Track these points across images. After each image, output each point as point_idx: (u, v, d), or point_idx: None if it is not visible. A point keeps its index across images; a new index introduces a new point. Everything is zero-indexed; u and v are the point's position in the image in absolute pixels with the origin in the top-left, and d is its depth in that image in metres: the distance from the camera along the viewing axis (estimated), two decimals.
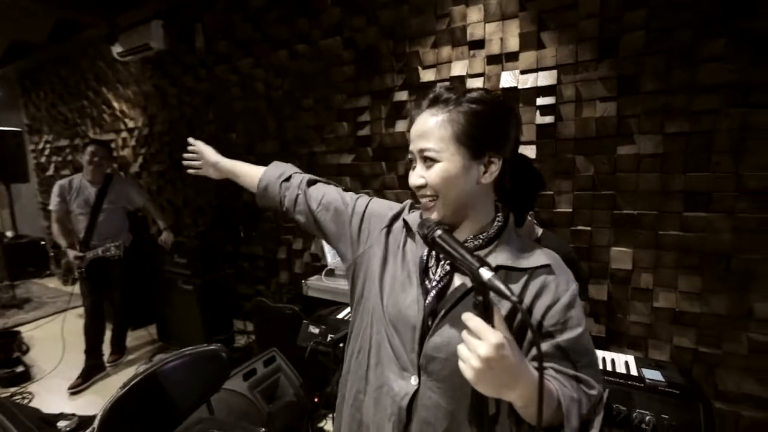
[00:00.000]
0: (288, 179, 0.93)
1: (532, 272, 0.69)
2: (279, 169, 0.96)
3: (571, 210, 2.07)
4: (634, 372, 1.30)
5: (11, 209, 5.28)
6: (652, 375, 1.25)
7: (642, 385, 1.20)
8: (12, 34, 4.14)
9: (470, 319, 0.55)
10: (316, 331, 1.77)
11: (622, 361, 1.39)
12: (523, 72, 2.09)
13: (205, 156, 1.05)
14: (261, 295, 3.29)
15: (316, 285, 2.38)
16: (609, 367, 1.36)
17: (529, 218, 1.84)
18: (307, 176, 0.94)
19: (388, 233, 0.82)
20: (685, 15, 1.71)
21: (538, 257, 0.70)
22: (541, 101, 2.05)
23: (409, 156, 0.74)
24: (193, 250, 3.01)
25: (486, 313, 0.55)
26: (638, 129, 1.87)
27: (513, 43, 2.09)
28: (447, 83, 2.30)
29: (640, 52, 1.82)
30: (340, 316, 1.97)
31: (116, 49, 3.65)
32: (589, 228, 2.03)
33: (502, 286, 0.52)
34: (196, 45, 3.38)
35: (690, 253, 1.82)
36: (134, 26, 3.44)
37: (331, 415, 1.75)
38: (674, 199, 1.83)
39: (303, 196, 0.90)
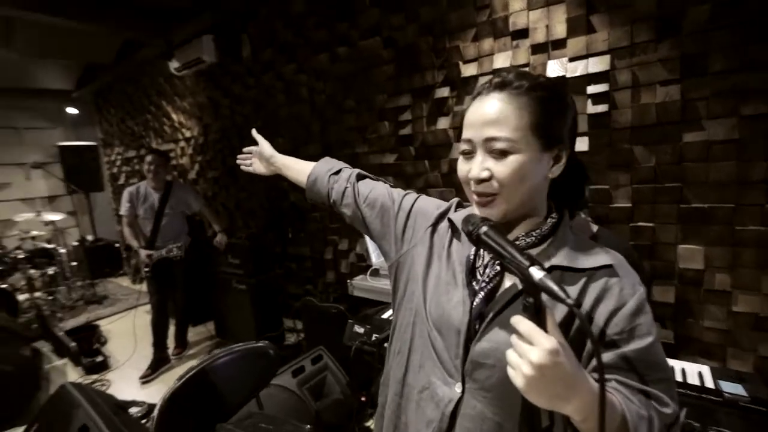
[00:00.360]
0: (337, 173, 0.92)
1: (592, 274, 0.62)
2: (329, 163, 0.96)
3: (630, 205, 1.91)
4: (709, 384, 1.16)
5: (91, 216, 5.87)
6: (732, 388, 1.11)
7: (720, 399, 1.07)
8: (86, 58, 4.60)
9: (520, 322, 0.50)
10: (361, 330, 1.78)
11: (694, 371, 1.25)
12: (571, 59, 1.96)
13: (262, 149, 1.08)
14: (309, 294, 3.38)
15: (361, 285, 2.41)
16: (679, 378, 1.22)
17: (583, 215, 1.73)
18: (357, 170, 0.93)
19: (433, 232, 0.79)
20: None
21: (599, 257, 0.64)
22: (592, 89, 1.92)
23: (465, 146, 0.66)
24: (245, 251, 3.17)
25: (538, 316, 0.50)
26: (707, 113, 1.69)
27: (560, 30, 1.97)
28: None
29: (706, 27, 1.64)
30: (384, 316, 1.97)
31: (173, 65, 3.92)
32: (651, 224, 1.87)
33: (555, 287, 0.47)
34: (243, 55, 3.54)
35: None
36: (188, 42, 3.67)
37: None
38: (754, 189, 1.63)
39: (351, 189, 0.89)
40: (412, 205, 0.83)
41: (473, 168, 0.64)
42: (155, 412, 0.96)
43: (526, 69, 2.09)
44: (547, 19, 2.01)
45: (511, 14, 2.10)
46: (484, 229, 0.59)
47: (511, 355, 0.51)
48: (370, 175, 0.94)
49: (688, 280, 1.80)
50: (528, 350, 0.48)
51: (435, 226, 0.79)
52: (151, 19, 3.59)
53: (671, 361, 1.33)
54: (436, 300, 0.72)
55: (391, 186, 0.89)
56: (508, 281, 0.67)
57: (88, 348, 3.33)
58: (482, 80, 0.67)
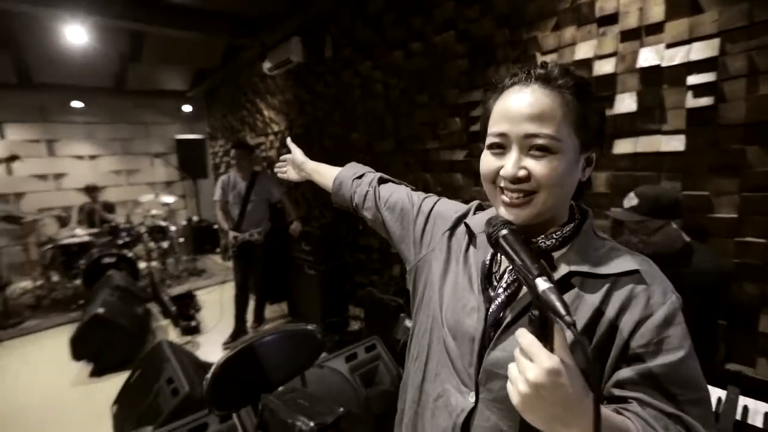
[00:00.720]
0: (360, 177, 0.95)
1: (616, 280, 0.57)
2: (354, 168, 1.00)
3: (735, 216, 1.62)
4: None
5: (197, 199, 6.74)
6: None
7: None
8: (197, 63, 5.26)
9: (523, 335, 0.47)
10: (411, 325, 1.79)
11: None
12: (669, 46, 1.71)
13: (294, 157, 1.15)
14: (374, 285, 3.48)
15: None
16: None
17: (675, 225, 1.52)
18: (379, 174, 0.94)
19: (451, 236, 0.77)
20: None
21: (625, 262, 0.58)
22: (694, 79, 1.65)
23: (496, 140, 0.60)
24: (316, 239, 3.37)
25: (543, 330, 0.47)
26: None
27: (657, 12, 1.73)
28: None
29: None
30: None
31: (266, 65, 4.29)
32: (763, 240, 1.56)
33: (556, 302, 0.44)
34: (326, 54, 3.73)
35: None
36: (278, 44, 3.99)
37: None
38: None
39: (372, 192, 0.90)
40: (432, 209, 0.82)
41: (508, 165, 0.58)
42: (209, 375, 1.09)
43: (612, 58, 1.88)
44: (641, 1, 1.78)
45: None
46: (504, 232, 0.56)
47: (511, 369, 0.48)
48: (392, 179, 0.94)
49: None
50: (526, 367, 0.46)
51: (453, 230, 0.77)
52: (249, 26, 3.98)
53: None
54: (452, 306, 0.70)
55: (412, 189, 0.89)
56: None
57: (186, 313, 3.85)
58: (543, 63, 0.59)
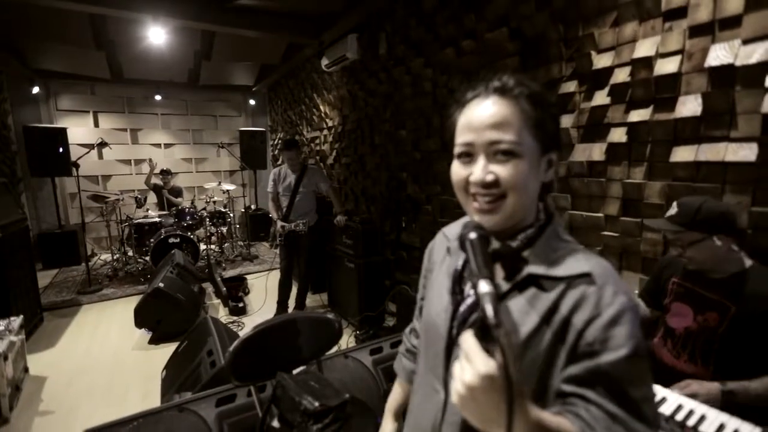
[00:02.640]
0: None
1: (571, 281, 0.60)
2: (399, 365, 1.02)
3: None
4: None
5: (255, 189, 7.17)
6: None
7: None
8: (261, 60, 5.59)
9: (465, 339, 0.49)
10: None
11: None
12: (746, 42, 1.53)
13: None
14: (411, 284, 3.49)
15: None
16: None
17: (718, 242, 1.34)
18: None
19: (431, 254, 0.85)
20: None
21: (579, 263, 0.61)
22: None
23: (462, 149, 0.65)
24: (358, 233, 3.44)
25: (485, 332, 0.47)
26: None
27: (734, 4, 1.55)
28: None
29: None
30: None
31: (324, 62, 4.45)
32: None
33: (486, 304, 0.46)
34: (380, 51, 3.79)
35: None
36: (336, 42, 4.12)
37: None
38: None
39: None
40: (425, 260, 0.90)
41: (476, 171, 0.62)
42: (232, 347, 1.17)
43: (678, 56, 1.72)
44: None
45: None
46: (472, 236, 0.58)
47: (455, 369, 0.50)
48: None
49: None
50: (464, 369, 0.48)
51: (431, 249, 0.86)
52: (309, 24, 4.15)
53: None
54: (428, 308, 0.77)
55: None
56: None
57: (235, 294, 4.13)
58: (494, 76, 0.64)
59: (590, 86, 2.07)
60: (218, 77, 6.33)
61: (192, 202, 5.75)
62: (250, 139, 6.68)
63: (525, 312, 0.61)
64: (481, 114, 0.63)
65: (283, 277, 3.66)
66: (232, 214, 5.94)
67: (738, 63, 1.54)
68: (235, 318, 3.78)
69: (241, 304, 3.98)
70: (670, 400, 1.20)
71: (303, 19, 4.08)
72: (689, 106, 1.69)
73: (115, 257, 5.35)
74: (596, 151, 2.06)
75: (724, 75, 1.59)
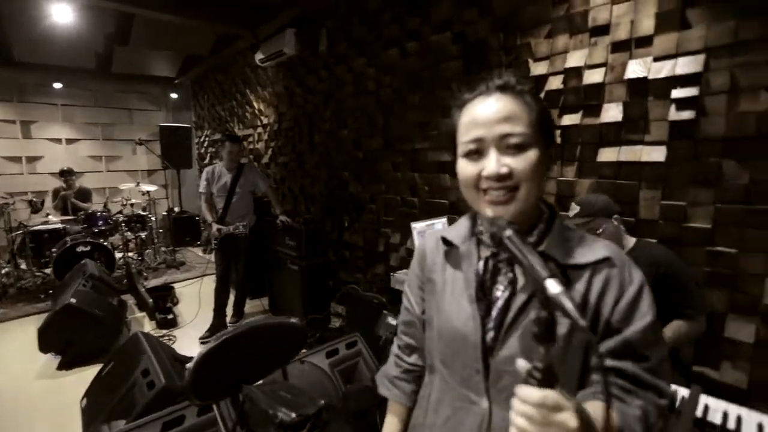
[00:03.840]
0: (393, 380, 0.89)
1: (595, 267, 0.63)
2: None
3: (709, 226, 1.69)
4: None
5: (179, 190, 6.59)
6: None
7: None
8: (186, 50, 5.16)
9: (529, 395, 0.48)
10: (394, 322, 1.80)
11: (753, 421, 1.07)
12: (657, 59, 1.77)
13: None
14: (358, 283, 3.48)
15: (403, 278, 2.42)
16: (732, 425, 1.06)
17: (615, 222, 1.63)
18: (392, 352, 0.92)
19: (423, 263, 0.81)
20: None
21: (599, 250, 0.65)
22: (678, 93, 1.71)
23: (473, 145, 0.65)
24: (301, 234, 3.34)
25: (550, 331, 0.47)
26: None
27: (646, 26, 1.79)
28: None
29: None
30: None
31: (258, 56, 4.24)
32: (734, 250, 1.63)
33: (569, 306, 0.44)
34: (320, 48, 3.71)
35: None
36: (272, 36, 3.95)
37: None
38: None
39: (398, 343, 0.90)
40: (408, 284, 0.86)
41: (489, 165, 0.62)
42: (192, 364, 1.07)
43: (602, 68, 1.93)
44: (633, 13, 1.83)
45: (591, 8, 1.95)
46: (509, 232, 0.56)
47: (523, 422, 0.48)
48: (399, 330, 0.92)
49: None
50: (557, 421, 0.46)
51: (423, 261, 0.81)
52: (243, 15, 3.92)
53: (732, 407, 1.15)
54: (446, 318, 0.72)
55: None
56: (521, 285, 0.66)
57: (163, 306, 3.76)
58: (498, 74, 0.67)
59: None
60: (135, 66, 5.71)
61: (105, 206, 5.12)
62: (171, 136, 6.12)
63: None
64: (489, 109, 0.63)
65: (219, 283, 3.41)
66: (153, 218, 5.40)
67: (650, 77, 1.78)
68: (164, 332, 3.44)
69: (170, 316, 3.63)
70: None
71: (237, 9, 3.84)
72: (612, 112, 1.91)
73: (3, 271, 4.55)
74: None
75: (639, 87, 1.82)
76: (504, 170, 0.61)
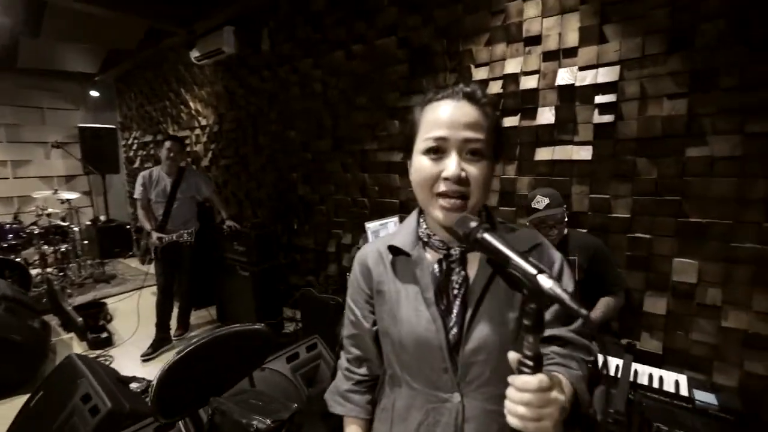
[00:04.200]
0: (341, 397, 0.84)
1: (530, 252, 0.71)
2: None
3: (629, 216, 1.93)
4: (684, 392, 1.19)
5: (105, 197, 6.02)
6: (705, 397, 1.14)
7: (690, 406, 1.10)
8: (109, 44, 4.72)
9: (525, 382, 0.51)
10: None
11: (672, 380, 1.28)
12: (581, 68, 1.99)
13: None
14: (311, 285, 3.45)
15: None
16: (656, 384, 1.25)
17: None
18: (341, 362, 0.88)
19: (369, 274, 0.78)
20: None
21: (530, 238, 0.74)
22: (600, 99, 1.94)
23: (434, 143, 0.65)
24: (251, 239, 3.23)
25: (539, 322, 0.50)
26: (712, 129, 1.70)
27: (572, 38, 1.99)
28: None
29: (717, 44, 1.65)
30: None
31: (194, 54, 4.01)
32: (648, 236, 1.89)
33: (566, 297, 0.46)
34: (262, 48, 3.61)
35: None
36: (209, 33, 3.77)
37: None
38: (753, 207, 1.64)
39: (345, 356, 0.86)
40: (352, 292, 0.83)
41: (450, 167, 0.64)
42: (154, 381, 1.02)
43: (536, 75, 2.12)
44: (560, 26, 2.03)
45: (525, 20, 2.13)
46: (486, 236, 0.57)
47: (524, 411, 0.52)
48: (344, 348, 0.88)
49: (680, 293, 1.81)
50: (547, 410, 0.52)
51: (368, 273, 0.79)
52: (176, 9, 3.69)
53: (653, 369, 1.36)
54: (406, 328, 0.71)
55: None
56: (472, 273, 0.70)
57: (94, 324, 3.43)
58: (466, 83, 0.70)
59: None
60: (46, 60, 5.10)
61: (15, 217, 4.54)
62: (94, 138, 5.58)
63: (511, 291, 0.66)
64: (456, 112, 0.66)
65: (161, 295, 3.19)
66: (76, 228, 4.89)
67: (577, 84, 1.99)
68: (99, 352, 3.15)
69: (104, 335, 3.32)
70: None
71: (169, 3, 3.61)
72: (546, 115, 2.11)
73: None
74: None
75: (568, 93, 2.03)
76: (463, 174, 0.64)
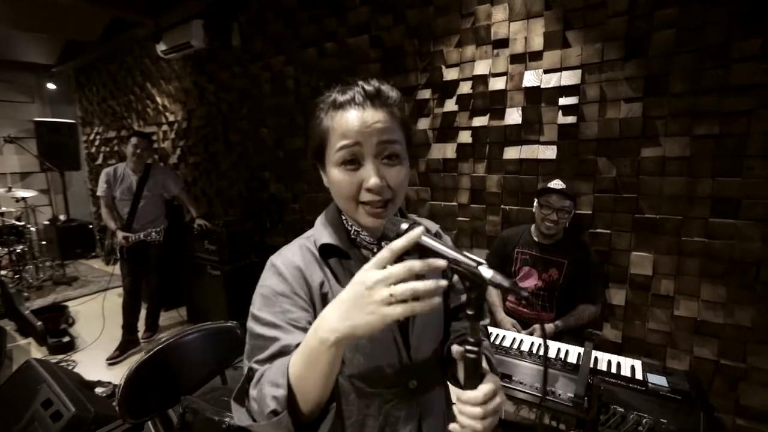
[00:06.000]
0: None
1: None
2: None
3: (591, 212, 2.04)
4: (639, 376, 1.28)
5: (65, 195, 5.73)
6: (657, 380, 1.23)
7: (643, 389, 1.19)
8: (68, 34, 4.49)
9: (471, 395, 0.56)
10: None
11: (628, 365, 1.37)
12: (546, 71, 2.07)
13: None
14: None
15: None
16: (614, 370, 1.35)
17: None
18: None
19: (306, 278, 0.69)
20: (717, 13, 1.65)
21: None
22: (563, 101, 2.03)
23: (348, 155, 0.63)
24: (221, 238, 3.17)
25: (480, 310, 0.53)
26: (665, 131, 1.82)
27: (537, 42, 2.07)
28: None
29: (670, 51, 1.76)
30: None
31: (160, 47, 3.87)
32: (608, 231, 1.99)
33: (507, 283, 0.48)
34: (233, 43, 3.54)
35: (715, 261, 1.75)
36: (177, 25, 3.65)
37: None
38: (701, 204, 1.77)
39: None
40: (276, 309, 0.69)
41: (372, 176, 0.62)
42: (121, 382, 1.00)
43: (504, 77, 2.19)
44: (526, 31, 2.11)
45: (493, 24, 2.19)
46: (422, 238, 0.54)
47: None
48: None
49: (637, 285, 1.93)
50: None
51: (306, 280, 0.69)
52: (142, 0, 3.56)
53: (612, 356, 1.45)
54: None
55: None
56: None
57: (55, 328, 3.27)
58: (371, 82, 0.67)
59: (441, 95, 2.44)
60: None
61: None
62: (52, 133, 5.29)
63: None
64: (367, 118, 0.62)
65: (127, 296, 3.08)
66: (33, 228, 4.64)
67: (542, 86, 2.07)
68: (60, 356, 3.01)
69: (66, 339, 3.18)
70: (529, 340, 1.60)
71: None
72: (513, 116, 2.18)
73: None
74: (449, 150, 2.44)
75: (534, 94, 2.11)
76: (384, 182, 0.62)
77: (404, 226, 0.56)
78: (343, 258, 0.70)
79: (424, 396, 0.72)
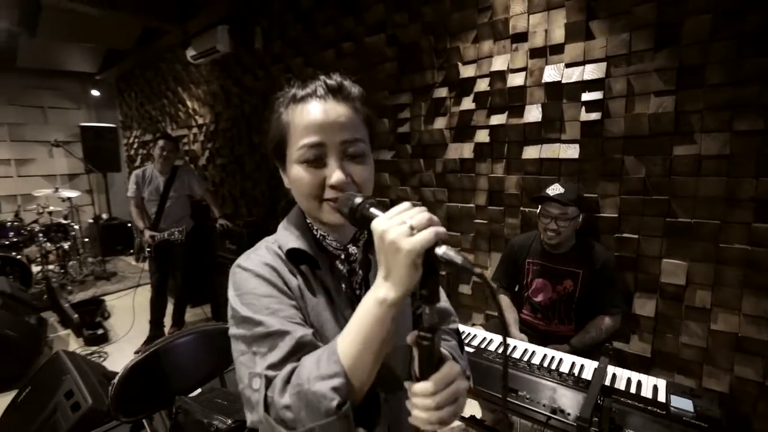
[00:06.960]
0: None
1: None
2: None
3: (617, 215, 1.89)
4: (661, 398, 1.15)
5: (107, 195, 6.09)
6: (681, 404, 1.10)
7: (664, 413, 1.07)
8: (107, 44, 4.76)
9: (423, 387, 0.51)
10: None
11: (650, 385, 1.24)
12: (568, 65, 1.94)
13: None
14: None
15: None
16: (633, 390, 1.22)
17: (579, 220, 1.82)
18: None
19: (284, 280, 0.65)
20: None
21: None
22: (587, 96, 1.90)
23: (311, 153, 0.60)
24: (242, 237, 3.24)
25: (435, 294, 0.50)
26: (700, 127, 1.65)
27: (558, 35, 1.95)
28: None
29: (705, 39, 1.60)
30: None
31: (189, 53, 4.02)
32: (636, 236, 1.84)
33: (459, 259, 0.44)
34: (256, 46, 3.61)
35: (759, 270, 1.57)
36: (203, 31, 3.77)
37: None
38: (742, 207, 1.59)
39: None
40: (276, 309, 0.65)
41: (336, 173, 0.59)
42: (115, 380, 1.02)
43: (523, 72, 2.08)
44: (546, 23, 1.99)
45: (511, 17, 2.09)
46: (371, 210, 0.53)
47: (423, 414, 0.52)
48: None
49: (669, 295, 1.77)
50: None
51: (283, 281, 0.66)
52: (168, 8, 3.70)
53: (633, 374, 1.32)
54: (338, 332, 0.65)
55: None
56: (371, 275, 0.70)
57: (91, 321, 3.47)
58: (331, 76, 0.65)
59: (458, 93, 2.35)
60: (45, 60, 5.17)
61: (16, 215, 4.60)
62: (96, 137, 5.65)
63: None
64: (329, 114, 0.60)
65: (155, 293, 3.22)
66: (77, 226, 4.95)
67: (563, 81, 1.95)
68: (94, 348, 3.18)
69: (100, 331, 3.36)
70: (541, 352, 1.50)
71: (160, 1, 3.61)
72: (533, 113, 2.07)
73: None
74: (466, 150, 2.36)
75: (555, 90, 1.99)
76: (348, 178, 0.60)
77: (358, 200, 0.55)
78: (312, 266, 0.67)
79: (392, 403, 0.68)
